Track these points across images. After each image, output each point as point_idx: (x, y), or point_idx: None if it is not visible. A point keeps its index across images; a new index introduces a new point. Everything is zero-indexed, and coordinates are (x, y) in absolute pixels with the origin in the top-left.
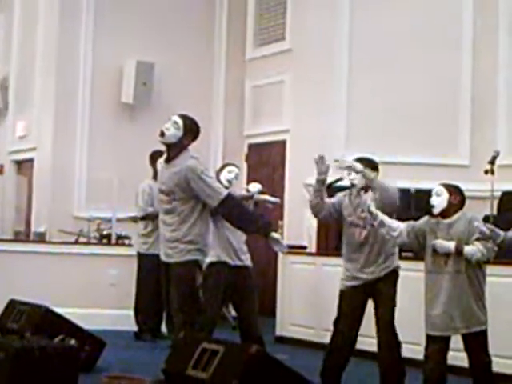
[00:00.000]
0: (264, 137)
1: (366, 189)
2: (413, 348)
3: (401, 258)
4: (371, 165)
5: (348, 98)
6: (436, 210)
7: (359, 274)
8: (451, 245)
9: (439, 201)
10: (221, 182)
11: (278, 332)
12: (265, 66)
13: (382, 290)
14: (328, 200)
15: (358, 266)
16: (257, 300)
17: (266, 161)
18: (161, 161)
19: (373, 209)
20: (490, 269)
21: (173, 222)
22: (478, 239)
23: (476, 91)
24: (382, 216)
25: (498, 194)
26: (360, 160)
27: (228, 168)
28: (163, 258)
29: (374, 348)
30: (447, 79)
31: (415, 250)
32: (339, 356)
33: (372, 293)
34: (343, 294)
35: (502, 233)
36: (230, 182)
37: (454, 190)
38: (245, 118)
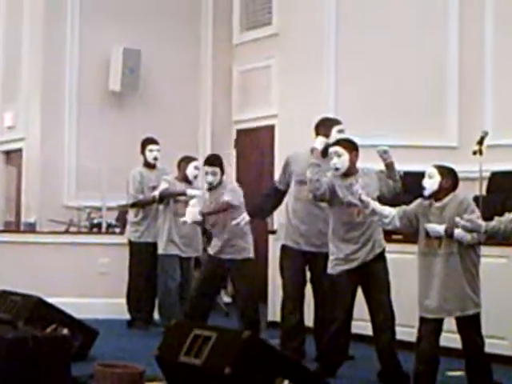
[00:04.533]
0: (252, 122)
1: (348, 174)
2: (405, 330)
3: (392, 240)
4: (353, 146)
5: (336, 82)
6: (427, 193)
7: (356, 255)
8: (441, 228)
9: (430, 183)
10: (186, 176)
11: (271, 317)
12: (252, 50)
13: (377, 270)
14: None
15: (355, 246)
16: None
17: (255, 146)
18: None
19: (364, 197)
20: (483, 250)
21: None
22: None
23: (463, 72)
24: (373, 204)
25: (487, 174)
26: (342, 141)
27: (194, 163)
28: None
29: (365, 331)
30: (434, 60)
31: (409, 233)
32: (337, 344)
33: (365, 275)
34: (334, 279)
35: (483, 223)
36: (195, 177)
37: (446, 173)
38: (233, 104)
